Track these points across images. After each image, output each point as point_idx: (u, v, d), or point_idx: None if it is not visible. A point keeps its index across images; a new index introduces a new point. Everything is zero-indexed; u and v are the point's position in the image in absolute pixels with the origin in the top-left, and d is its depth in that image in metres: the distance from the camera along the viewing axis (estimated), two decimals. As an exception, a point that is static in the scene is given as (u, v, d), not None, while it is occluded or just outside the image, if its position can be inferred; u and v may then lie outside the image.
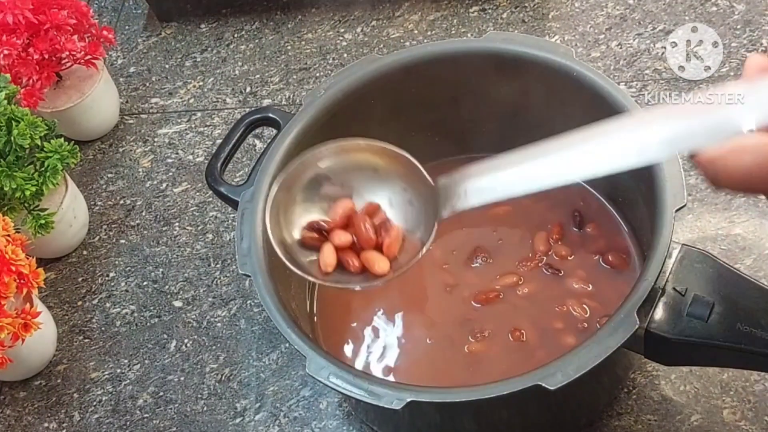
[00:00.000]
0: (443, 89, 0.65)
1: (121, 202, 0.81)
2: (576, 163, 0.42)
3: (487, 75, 0.62)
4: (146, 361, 0.71)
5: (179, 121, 0.87)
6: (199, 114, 0.87)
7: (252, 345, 0.70)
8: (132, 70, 0.92)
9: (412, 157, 0.50)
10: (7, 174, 0.68)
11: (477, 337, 0.60)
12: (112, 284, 0.76)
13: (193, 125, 0.86)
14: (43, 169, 0.70)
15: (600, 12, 0.84)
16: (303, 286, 0.64)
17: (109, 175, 0.84)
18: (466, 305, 0.62)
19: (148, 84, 0.90)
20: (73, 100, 0.82)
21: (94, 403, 0.69)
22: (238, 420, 0.66)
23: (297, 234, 0.51)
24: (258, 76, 0.88)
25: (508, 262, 0.63)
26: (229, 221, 0.77)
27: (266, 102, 0.86)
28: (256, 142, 0.82)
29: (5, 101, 0.69)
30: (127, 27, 0.96)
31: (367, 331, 0.63)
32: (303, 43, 0.90)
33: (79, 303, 0.75)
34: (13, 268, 0.61)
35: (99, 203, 0.82)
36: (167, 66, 0.91)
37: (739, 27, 0.80)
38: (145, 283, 0.75)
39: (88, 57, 0.80)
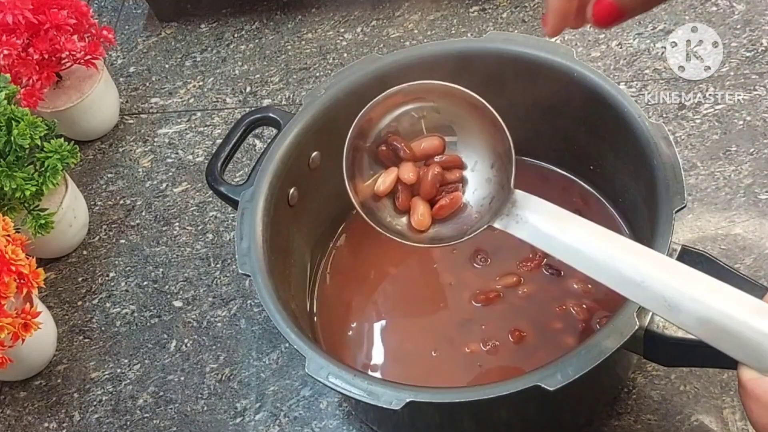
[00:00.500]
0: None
1: (121, 202, 0.81)
2: (631, 286, 0.43)
3: (487, 75, 0.62)
4: (146, 361, 0.71)
5: (179, 121, 0.87)
6: (199, 114, 0.87)
7: (252, 345, 0.70)
8: (132, 70, 0.92)
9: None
10: (7, 174, 0.68)
11: (477, 337, 0.60)
12: (112, 284, 0.76)
13: (193, 125, 0.86)
14: (43, 169, 0.70)
15: (600, 12, 0.84)
16: (303, 286, 0.64)
17: (109, 175, 0.84)
18: (466, 305, 0.62)
19: (148, 84, 0.90)
20: (73, 100, 0.82)
21: (94, 403, 0.69)
22: (238, 420, 0.66)
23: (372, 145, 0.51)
24: (258, 75, 0.88)
25: (509, 263, 0.63)
26: (229, 221, 0.77)
27: (266, 102, 0.85)
28: (256, 142, 0.82)
29: (5, 101, 0.69)
30: (127, 27, 0.96)
31: (367, 331, 0.63)
32: (303, 43, 0.90)
33: (79, 303, 0.75)
34: (13, 268, 0.61)
35: (99, 203, 0.82)
36: (167, 66, 0.91)
37: (739, 27, 0.80)
38: (145, 283, 0.75)
39: (88, 57, 0.80)
